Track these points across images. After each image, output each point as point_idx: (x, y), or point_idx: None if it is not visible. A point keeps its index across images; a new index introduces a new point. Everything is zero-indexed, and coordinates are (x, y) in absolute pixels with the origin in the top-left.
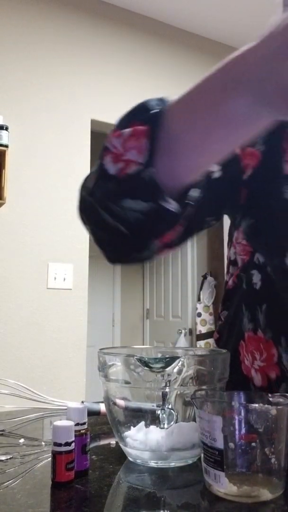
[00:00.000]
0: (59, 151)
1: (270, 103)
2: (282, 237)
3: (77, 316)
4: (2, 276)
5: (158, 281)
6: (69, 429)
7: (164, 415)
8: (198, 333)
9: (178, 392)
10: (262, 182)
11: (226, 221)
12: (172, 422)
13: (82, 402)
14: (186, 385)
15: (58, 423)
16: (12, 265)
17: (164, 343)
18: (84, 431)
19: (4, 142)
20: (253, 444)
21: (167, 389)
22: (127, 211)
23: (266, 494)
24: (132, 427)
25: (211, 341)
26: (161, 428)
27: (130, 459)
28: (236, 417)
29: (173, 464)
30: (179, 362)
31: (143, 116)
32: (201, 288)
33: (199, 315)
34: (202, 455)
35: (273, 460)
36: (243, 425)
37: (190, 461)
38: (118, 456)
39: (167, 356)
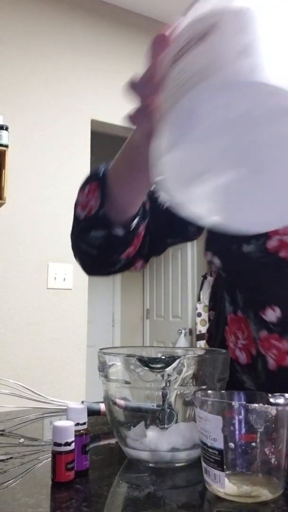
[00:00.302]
0: (59, 151)
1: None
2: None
3: (77, 316)
4: (2, 276)
5: (158, 281)
6: (69, 429)
7: (164, 415)
8: (198, 333)
9: (178, 392)
10: None
11: None
12: (172, 422)
13: (82, 402)
14: (186, 385)
15: (58, 423)
16: (12, 265)
17: (164, 343)
18: (84, 431)
19: (4, 142)
20: (253, 444)
21: (167, 389)
22: (92, 239)
23: (266, 494)
24: (132, 427)
25: None
26: (161, 428)
27: (130, 459)
28: (236, 417)
29: (173, 464)
30: (179, 362)
31: (94, 177)
32: (201, 288)
33: (199, 315)
34: (202, 455)
35: (273, 460)
36: (243, 425)
37: (190, 461)
38: (118, 456)
39: (167, 356)
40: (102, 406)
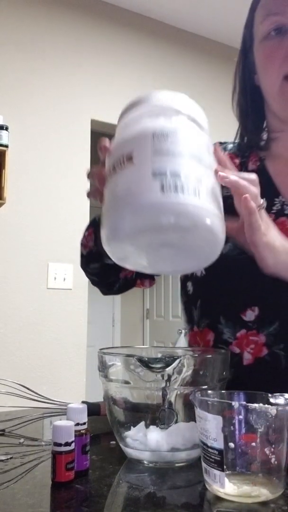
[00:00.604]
0: (59, 151)
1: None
2: None
3: (77, 316)
4: (2, 276)
5: (158, 281)
6: (69, 429)
7: (164, 415)
8: None
9: (178, 392)
10: None
11: None
12: (172, 422)
13: (82, 402)
14: (186, 385)
15: (58, 423)
16: (12, 265)
17: (164, 343)
18: (84, 431)
19: (4, 142)
20: (253, 444)
21: (167, 389)
22: (92, 269)
23: (266, 494)
24: (132, 427)
25: None
26: (161, 428)
27: (130, 459)
28: (236, 417)
29: (173, 464)
30: (179, 362)
31: (92, 224)
32: None
33: None
34: (202, 455)
35: (273, 460)
36: (243, 425)
37: (190, 461)
38: (118, 456)
39: (167, 356)
40: (102, 406)
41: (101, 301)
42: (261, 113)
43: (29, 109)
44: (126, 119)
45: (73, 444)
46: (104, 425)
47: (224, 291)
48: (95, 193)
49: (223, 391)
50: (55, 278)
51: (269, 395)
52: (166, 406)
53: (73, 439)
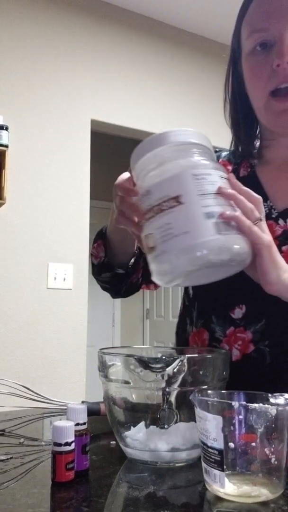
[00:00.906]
0: (59, 151)
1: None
2: None
3: (77, 316)
4: (2, 276)
5: None
6: (69, 429)
7: (164, 415)
8: None
9: (178, 392)
10: None
11: None
12: (172, 422)
13: (82, 402)
14: (186, 385)
15: (58, 423)
16: (12, 265)
17: (164, 343)
18: (84, 431)
19: (4, 142)
20: (253, 444)
21: (167, 389)
22: (104, 278)
23: (266, 494)
24: (132, 427)
25: None
26: (161, 428)
27: (130, 459)
28: (236, 417)
29: (173, 464)
30: (179, 362)
31: (100, 236)
32: None
33: None
34: (202, 455)
35: (273, 460)
36: (243, 425)
37: (190, 461)
38: (118, 456)
39: (167, 356)
40: (102, 406)
41: (101, 301)
42: (253, 121)
43: (29, 109)
44: (152, 158)
45: (73, 444)
46: (104, 425)
47: (214, 290)
48: (127, 222)
49: (223, 391)
50: (55, 278)
51: (269, 395)
52: (166, 406)
53: (73, 439)
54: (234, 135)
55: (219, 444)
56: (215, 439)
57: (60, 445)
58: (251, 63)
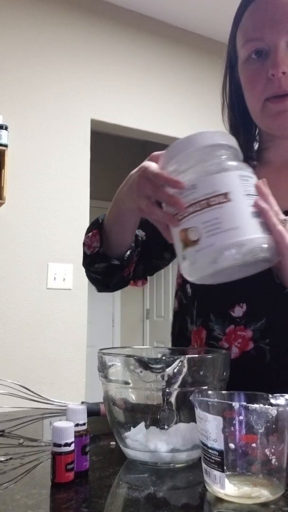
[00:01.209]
0: (59, 151)
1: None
2: None
3: (77, 316)
4: (2, 276)
5: (158, 281)
6: (68, 429)
7: (164, 416)
8: None
9: (178, 393)
10: None
11: None
12: (172, 423)
13: (82, 402)
14: (186, 386)
15: (58, 423)
16: (12, 265)
17: (164, 343)
18: (84, 431)
19: (4, 142)
20: (254, 445)
21: (167, 390)
22: (97, 268)
23: (266, 495)
24: (132, 427)
25: None
26: (161, 428)
27: (130, 460)
28: (237, 418)
29: (173, 465)
30: (179, 363)
31: (96, 225)
32: None
33: None
34: (202, 455)
35: (273, 461)
36: (243, 425)
37: (190, 462)
38: (118, 457)
39: (167, 356)
40: (102, 406)
41: (101, 301)
42: (251, 125)
43: (29, 109)
44: (198, 154)
45: (72, 445)
46: (104, 425)
47: (214, 289)
48: (161, 214)
49: (223, 392)
50: (55, 278)
51: (270, 395)
52: (166, 407)
53: (72, 439)
54: None
55: (220, 445)
56: (215, 440)
57: (59, 445)
58: (247, 71)
